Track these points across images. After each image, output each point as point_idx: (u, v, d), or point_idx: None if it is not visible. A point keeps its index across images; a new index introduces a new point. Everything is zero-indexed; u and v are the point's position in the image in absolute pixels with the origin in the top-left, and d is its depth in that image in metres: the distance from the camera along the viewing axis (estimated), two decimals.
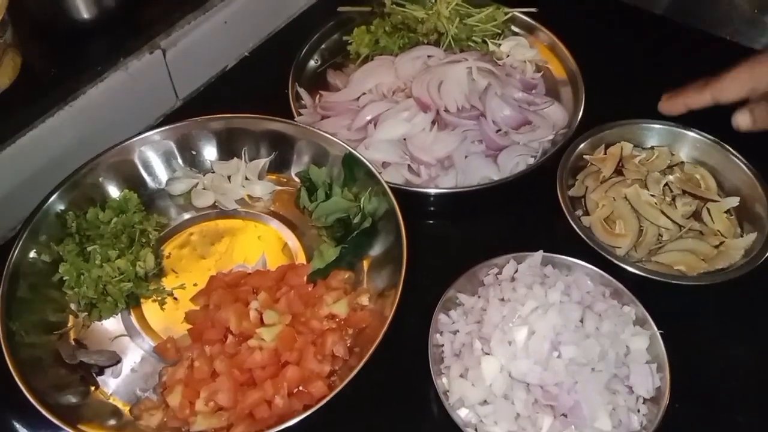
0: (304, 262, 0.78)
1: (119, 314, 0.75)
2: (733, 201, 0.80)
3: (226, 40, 0.99)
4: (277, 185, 0.85)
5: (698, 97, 0.82)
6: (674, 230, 0.78)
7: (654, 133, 0.86)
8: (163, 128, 0.83)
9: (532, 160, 0.85)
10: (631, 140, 0.86)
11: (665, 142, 0.86)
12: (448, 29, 0.96)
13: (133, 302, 0.75)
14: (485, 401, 0.64)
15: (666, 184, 0.81)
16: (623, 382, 0.64)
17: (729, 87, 0.79)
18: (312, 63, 0.99)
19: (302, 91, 0.93)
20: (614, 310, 0.69)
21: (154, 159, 0.84)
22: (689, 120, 0.85)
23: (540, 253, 0.72)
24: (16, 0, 0.75)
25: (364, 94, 0.91)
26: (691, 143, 0.84)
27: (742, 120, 0.79)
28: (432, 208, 0.86)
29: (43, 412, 0.61)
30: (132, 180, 0.82)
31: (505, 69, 0.93)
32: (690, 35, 1.03)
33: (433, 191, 0.82)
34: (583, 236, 0.74)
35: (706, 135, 0.83)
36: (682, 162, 0.84)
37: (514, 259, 0.72)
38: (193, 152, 0.85)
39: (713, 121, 0.84)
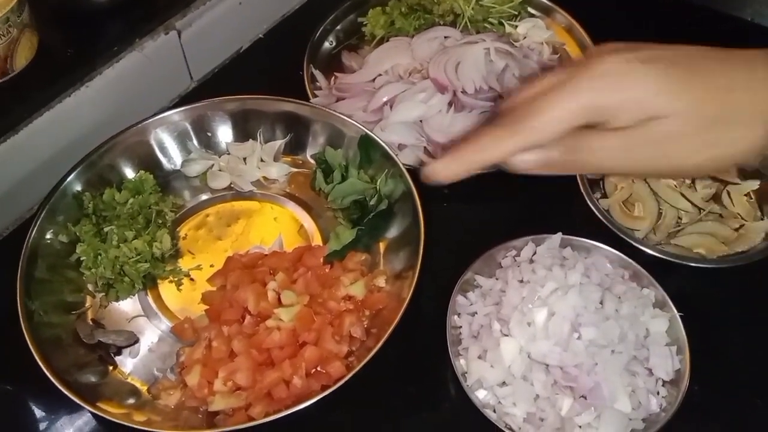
0: (320, 244, 0.78)
1: (136, 295, 0.75)
2: (753, 184, 0.79)
3: (241, 21, 0.98)
4: (293, 167, 0.85)
5: (502, 147, 0.50)
6: (694, 213, 0.77)
7: None
8: (178, 109, 0.82)
9: None
10: None
11: None
12: (465, 10, 0.95)
13: (149, 283, 0.75)
14: (504, 382, 0.63)
15: None
16: (643, 364, 0.64)
17: (548, 123, 0.46)
18: (327, 44, 0.98)
19: (317, 73, 0.92)
20: (634, 293, 0.68)
21: (170, 140, 0.83)
22: None
23: (559, 235, 0.71)
24: None
25: (379, 75, 0.90)
26: None
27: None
28: (448, 191, 0.85)
29: (64, 390, 0.62)
30: (148, 161, 0.82)
31: (522, 50, 0.92)
32: (709, 16, 1.01)
33: None
34: (602, 218, 0.74)
35: None
36: None
37: (533, 242, 0.72)
38: (209, 134, 0.85)
39: None
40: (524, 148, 0.49)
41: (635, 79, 0.43)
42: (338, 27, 0.99)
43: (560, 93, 0.45)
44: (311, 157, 0.85)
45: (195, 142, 0.85)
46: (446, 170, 0.53)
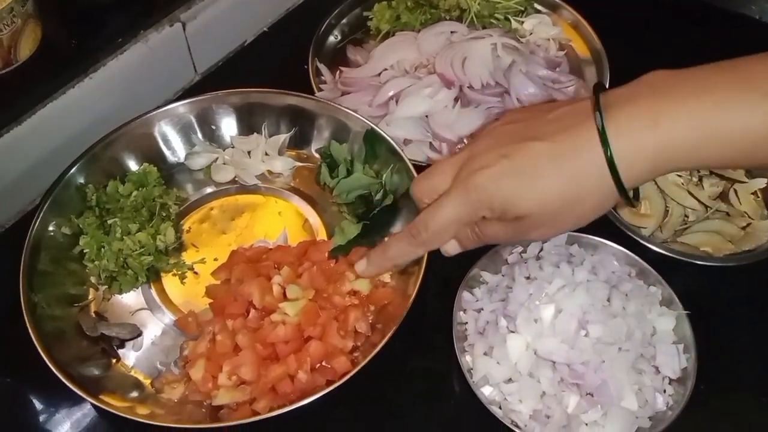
0: (325, 239, 0.78)
1: (139, 288, 0.74)
2: (761, 182, 0.79)
3: (246, 14, 0.98)
4: (298, 161, 0.84)
5: (410, 253, 0.63)
6: (701, 211, 0.77)
7: None
8: (183, 102, 0.82)
9: None
10: None
11: None
12: (471, 5, 0.94)
13: (153, 276, 0.75)
14: (510, 379, 0.63)
15: None
16: (649, 362, 0.64)
17: (438, 234, 0.59)
18: (332, 39, 0.97)
19: (322, 67, 0.92)
20: (640, 290, 0.68)
21: (174, 133, 0.83)
22: None
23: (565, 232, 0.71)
24: None
25: (385, 69, 0.90)
26: None
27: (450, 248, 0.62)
28: None
29: (66, 383, 0.61)
30: (151, 154, 0.82)
31: (528, 47, 0.92)
32: (717, 14, 1.01)
33: None
34: (609, 216, 0.73)
35: None
36: None
37: None
38: (213, 127, 0.85)
39: None
40: (426, 251, 0.64)
41: (499, 193, 0.53)
42: (343, 21, 0.99)
43: (443, 208, 0.56)
44: (316, 151, 0.85)
45: (199, 135, 0.84)
46: (366, 272, 0.68)
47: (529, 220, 0.53)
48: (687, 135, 0.48)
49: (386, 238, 0.76)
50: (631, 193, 0.51)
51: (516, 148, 0.53)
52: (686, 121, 0.48)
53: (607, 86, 0.86)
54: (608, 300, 0.66)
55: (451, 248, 0.61)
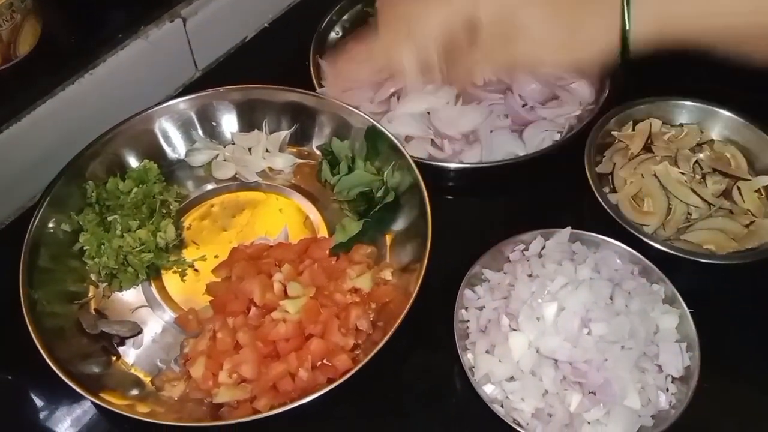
0: (326, 236, 0.77)
1: (140, 285, 0.74)
2: (765, 180, 0.78)
3: (247, 10, 0.97)
4: (299, 158, 0.84)
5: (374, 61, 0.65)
6: (704, 209, 0.76)
7: (684, 110, 0.84)
8: (183, 98, 0.82)
9: (558, 136, 0.83)
10: (660, 117, 0.84)
11: (695, 120, 0.84)
12: None
13: (153, 273, 0.75)
14: (512, 377, 0.63)
15: (696, 162, 0.79)
16: (652, 360, 0.63)
17: (416, 33, 0.58)
18: (333, 35, 0.97)
19: (324, 63, 0.91)
20: (643, 288, 0.67)
21: (174, 129, 0.82)
22: (719, 98, 0.83)
23: (568, 230, 0.71)
24: None
25: None
26: (722, 121, 0.82)
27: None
28: (456, 184, 0.84)
29: (66, 380, 0.61)
30: (152, 150, 0.81)
31: None
32: None
33: (457, 166, 0.80)
34: (611, 213, 0.73)
35: (737, 113, 0.82)
36: (712, 140, 0.83)
37: (542, 236, 0.71)
38: (213, 123, 0.84)
39: (744, 100, 0.82)
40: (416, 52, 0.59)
41: None
42: (345, 17, 0.98)
43: (432, 5, 0.56)
44: (317, 148, 0.84)
45: (200, 131, 0.84)
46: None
47: (529, 31, 0.53)
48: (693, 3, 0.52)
49: (387, 236, 0.76)
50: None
51: None
52: None
53: (608, 84, 0.85)
54: (611, 298, 0.65)
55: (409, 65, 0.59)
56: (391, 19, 0.58)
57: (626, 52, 0.54)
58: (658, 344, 0.64)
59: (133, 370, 0.68)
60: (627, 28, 0.53)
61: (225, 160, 0.83)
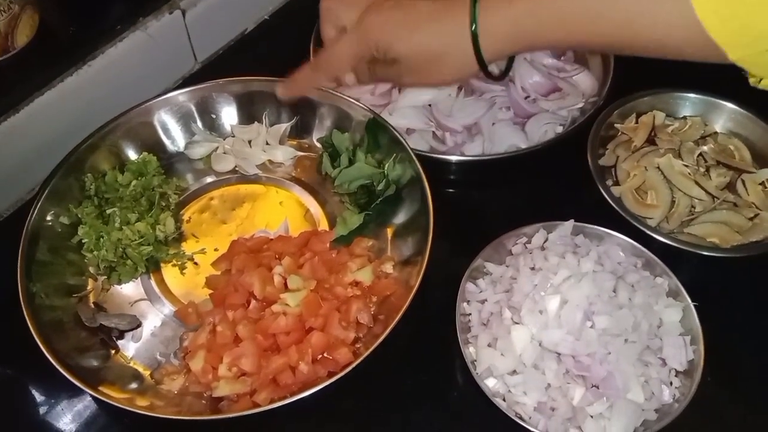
0: (327, 229, 0.77)
1: (139, 278, 0.74)
2: None
3: (246, 2, 0.97)
4: (299, 151, 0.83)
5: (314, 79, 0.71)
6: (708, 201, 0.75)
7: (688, 103, 0.83)
8: (183, 90, 0.81)
9: (560, 129, 0.82)
10: (663, 110, 0.83)
11: (698, 113, 0.83)
12: None
13: (152, 266, 0.74)
14: (515, 371, 0.62)
15: (700, 155, 0.79)
16: (656, 354, 0.63)
17: (333, 62, 0.67)
18: None
19: None
20: (647, 282, 0.67)
21: (174, 122, 0.82)
22: (723, 91, 0.82)
23: (571, 222, 0.70)
24: None
25: None
26: (726, 114, 0.82)
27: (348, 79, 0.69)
28: (457, 177, 0.84)
29: (65, 373, 0.60)
30: (151, 143, 0.81)
31: None
32: None
33: (459, 159, 0.79)
34: (614, 206, 0.72)
35: (741, 106, 0.81)
36: (716, 132, 0.82)
37: (544, 228, 0.70)
38: (213, 116, 0.84)
39: (748, 92, 0.81)
40: (326, 78, 0.69)
41: (382, 35, 0.61)
42: None
43: (342, 42, 0.65)
44: (317, 140, 0.84)
45: (199, 124, 0.83)
46: (282, 94, 0.75)
47: (403, 65, 0.61)
48: (535, 12, 0.55)
49: (388, 229, 0.76)
50: (495, 68, 0.61)
51: (410, 3, 0.61)
52: None
53: (611, 76, 0.84)
54: (614, 291, 0.65)
55: (349, 80, 0.67)
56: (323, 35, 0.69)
57: (482, 63, 0.58)
58: (661, 338, 0.64)
59: (132, 364, 0.68)
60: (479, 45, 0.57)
61: (225, 153, 0.83)
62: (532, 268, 0.67)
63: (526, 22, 0.56)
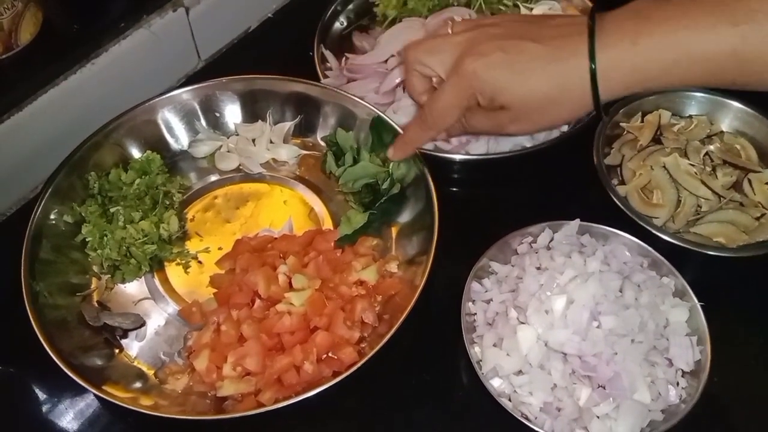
0: (331, 228, 0.77)
1: (143, 277, 0.73)
2: None
3: (250, 0, 0.96)
4: (303, 149, 0.83)
5: (423, 136, 0.71)
6: (714, 201, 0.75)
7: (693, 101, 0.83)
8: (186, 88, 0.81)
9: (565, 128, 0.82)
10: (669, 109, 0.83)
11: (704, 111, 0.83)
12: None
13: (156, 265, 0.74)
14: (520, 371, 0.62)
15: (706, 154, 0.78)
16: (662, 354, 0.63)
17: (440, 116, 0.65)
18: (337, 25, 0.96)
19: (328, 53, 0.90)
20: (653, 281, 0.66)
21: (177, 120, 0.82)
22: (729, 90, 0.81)
23: (577, 222, 0.70)
24: None
25: (392, 56, 0.88)
26: (732, 113, 0.81)
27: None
28: (462, 176, 0.83)
29: (69, 373, 0.60)
30: (155, 141, 0.81)
31: None
32: None
33: (464, 158, 0.79)
34: (620, 205, 0.72)
35: (747, 105, 0.80)
36: (722, 131, 0.82)
37: (550, 228, 0.70)
38: (217, 114, 0.83)
39: (754, 92, 0.80)
40: (435, 133, 0.70)
41: (491, 81, 0.59)
42: (349, 7, 0.97)
43: (444, 93, 0.63)
44: (322, 139, 0.83)
45: (203, 122, 0.83)
46: (394, 156, 0.74)
47: (511, 112, 0.59)
48: (660, 54, 0.54)
49: (392, 228, 0.75)
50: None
51: (514, 44, 0.58)
52: (660, 40, 0.54)
53: None
54: (620, 291, 0.64)
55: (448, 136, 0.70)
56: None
57: (597, 104, 0.58)
58: (668, 338, 0.63)
59: (136, 363, 0.68)
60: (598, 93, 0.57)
61: (228, 152, 0.83)
62: (538, 268, 0.66)
63: (650, 67, 0.55)
